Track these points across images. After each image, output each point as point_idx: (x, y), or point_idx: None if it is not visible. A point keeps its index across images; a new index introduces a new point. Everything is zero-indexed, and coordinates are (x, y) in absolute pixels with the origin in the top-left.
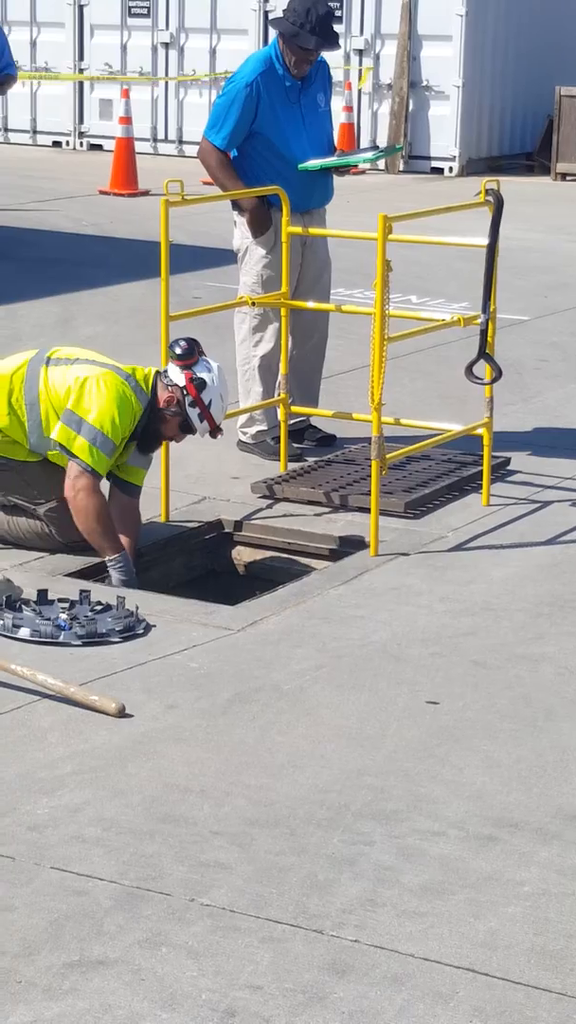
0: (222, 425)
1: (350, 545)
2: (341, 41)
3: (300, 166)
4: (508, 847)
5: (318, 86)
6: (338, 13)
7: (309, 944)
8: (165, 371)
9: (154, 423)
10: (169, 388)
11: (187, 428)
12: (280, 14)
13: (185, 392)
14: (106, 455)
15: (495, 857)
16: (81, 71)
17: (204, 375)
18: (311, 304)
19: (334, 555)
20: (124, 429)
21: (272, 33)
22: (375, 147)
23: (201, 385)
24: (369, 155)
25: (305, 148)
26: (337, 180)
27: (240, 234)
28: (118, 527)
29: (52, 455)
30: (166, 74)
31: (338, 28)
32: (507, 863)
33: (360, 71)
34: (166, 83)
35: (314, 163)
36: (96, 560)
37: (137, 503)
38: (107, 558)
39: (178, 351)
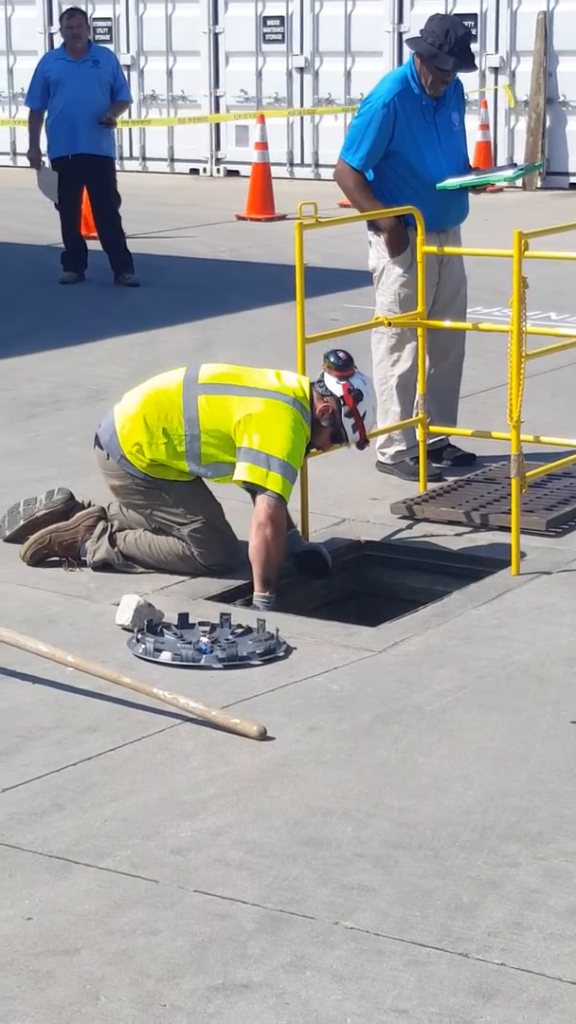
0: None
1: (491, 564)
2: (477, 59)
3: (439, 185)
4: None
5: (453, 105)
6: (473, 31)
7: (455, 967)
8: (320, 381)
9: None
10: (325, 398)
11: (337, 438)
12: (416, 34)
13: (342, 402)
14: (292, 483)
15: None
16: (217, 98)
17: (360, 387)
18: (448, 323)
19: (475, 575)
20: (302, 452)
21: (407, 54)
22: (514, 165)
23: (359, 396)
24: (509, 173)
25: (442, 167)
26: (474, 198)
27: (376, 254)
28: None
29: (211, 479)
30: (301, 99)
31: (473, 47)
32: None
33: (496, 89)
34: (301, 108)
35: (453, 182)
36: (237, 583)
37: None
38: (265, 593)
39: (337, 361)
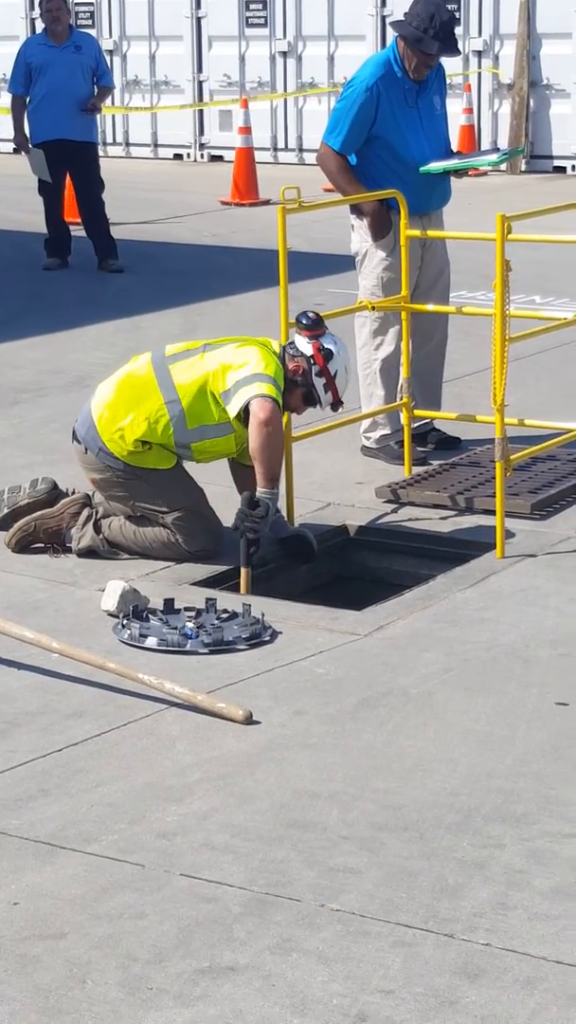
0: (344, 399)
1: (476, 548)
2: (460, 43)
3: (422, 169)
4: None
5: (435, 89)
6: (456, 15)
7: (440, 948)
8: (291, 342)
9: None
10: (296, 358)
11: (310, 399)
12: (400, 18)
13: (312, 362)
14: (280, 393)
15: None
16: (200, 83)
17: (331, 346)
18: (431, 307)
19: (460, 558)
20: (281, 381)
21: (391, 37)
22: (497, 149)
23: (328, 355)
24: (493, 158)
25: (424, 151)
26: (459, 182)
27: (359, 238)
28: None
29: (196, 447)
30: (284, 83)
31: (457, 31)
32: None
33: (480, 72)
34: (285, 92)
35: (436, 166)
36: (222, 568)
37: None
38: (271, 490)
39: (306, 321)
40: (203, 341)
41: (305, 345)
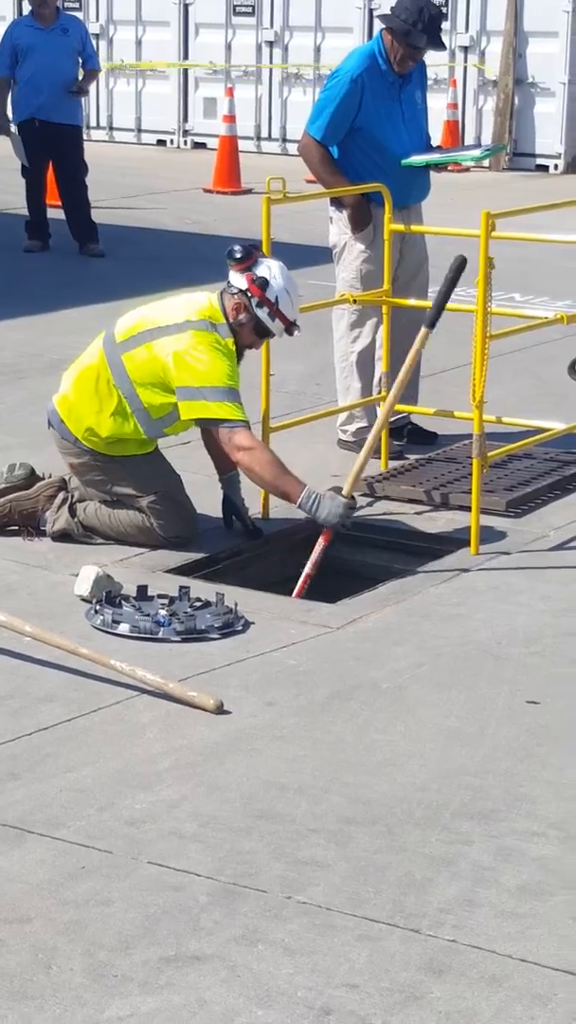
0: (298, 321)
1: (450, 544)
2: (446, 38)
3: (403, 161)
4: None
5: (417, 83)
6: (444, 10)
7: (406, 943)
8: (228, 283)
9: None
10: (235, 296)
11: (262, 331)
12: (387, 11)
13: (249, 294)
14: (239, 403)
15: None
16: (186, 70)
17: (264, 273)
18: (413, 301)
19: (435, 553)
20: (236, 370)
21: (377, 31)
22: (479, 145)
23: (263, 284)
24: (476, 153)
25: (405, 144)
26: (441, 177)
27: (337, 230)
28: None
29: (169, 430)
30: (270, 72)
31: (444, 25)
32: None
33: (466, 67)
34: (270, 82)
35: (418, 159)
36: (196, 556)
37: None
38: (298, 503)
39: (236, 255)
40: (153, 323)
41: (239, 279)
